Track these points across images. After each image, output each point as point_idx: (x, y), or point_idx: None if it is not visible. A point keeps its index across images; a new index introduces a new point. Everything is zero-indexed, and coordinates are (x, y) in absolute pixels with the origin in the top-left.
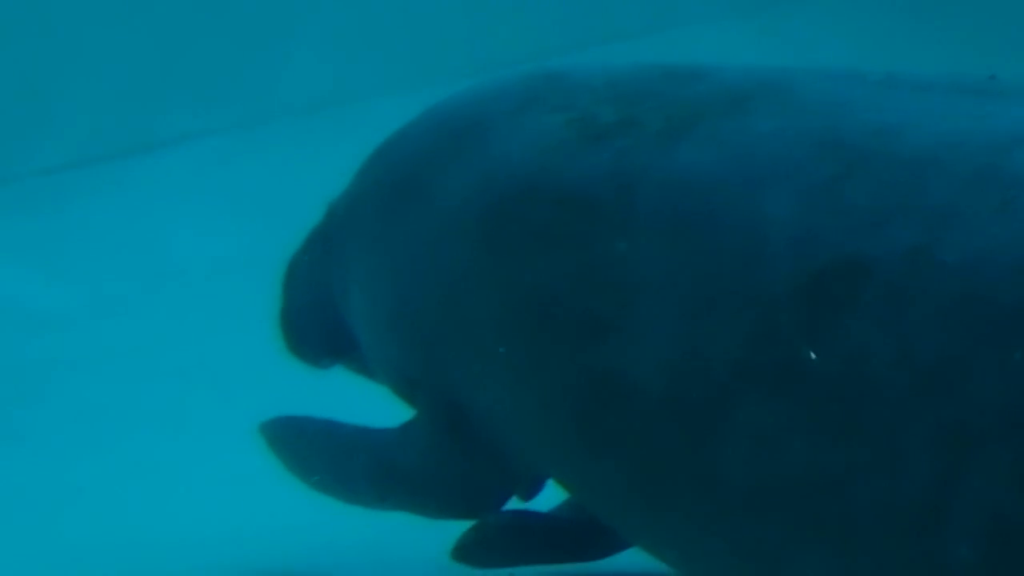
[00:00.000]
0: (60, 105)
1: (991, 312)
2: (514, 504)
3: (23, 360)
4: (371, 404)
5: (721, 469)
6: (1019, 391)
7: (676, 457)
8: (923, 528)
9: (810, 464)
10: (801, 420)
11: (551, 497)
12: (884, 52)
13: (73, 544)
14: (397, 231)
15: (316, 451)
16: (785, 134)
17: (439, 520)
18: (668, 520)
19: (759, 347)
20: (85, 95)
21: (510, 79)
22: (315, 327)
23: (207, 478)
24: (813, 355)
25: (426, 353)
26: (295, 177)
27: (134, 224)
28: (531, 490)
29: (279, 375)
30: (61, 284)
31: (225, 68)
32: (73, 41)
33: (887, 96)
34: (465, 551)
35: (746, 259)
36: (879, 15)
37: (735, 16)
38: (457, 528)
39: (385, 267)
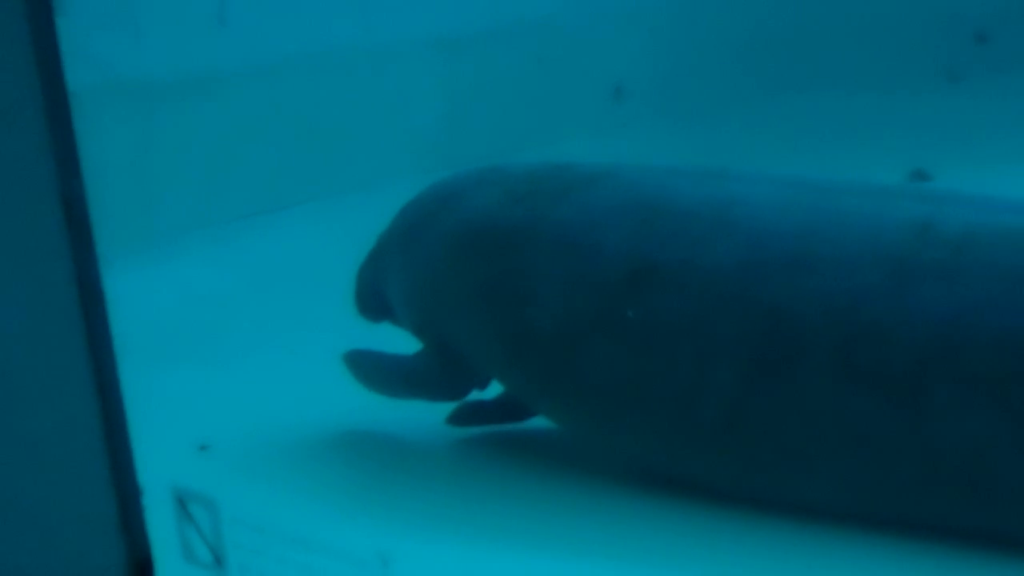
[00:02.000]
0: None
1: (714, 295)
2: (474, 394)
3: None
4: (400, 341)
5: (574, 381)
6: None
7: (549, 372)
8: (689, 404)
9: (625, 372)
10: (622, 355)
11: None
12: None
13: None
14: (411, 251)
15: (371, 367)
16: (614, 199)
17: (437, 404)
18: (549, 401)
19: (601, 309)
20: None
21: (473, 170)
22: (372, 302)
23: (328, 378)
24: (630, 313)
25: (426, 316)
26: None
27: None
28: (482, 385)
29: (356, 327)
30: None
31: None
32: None
33: (688, 180)
34: (453, 420)
35: (590, 261)
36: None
37: (608, 133)
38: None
39: (406, 271)
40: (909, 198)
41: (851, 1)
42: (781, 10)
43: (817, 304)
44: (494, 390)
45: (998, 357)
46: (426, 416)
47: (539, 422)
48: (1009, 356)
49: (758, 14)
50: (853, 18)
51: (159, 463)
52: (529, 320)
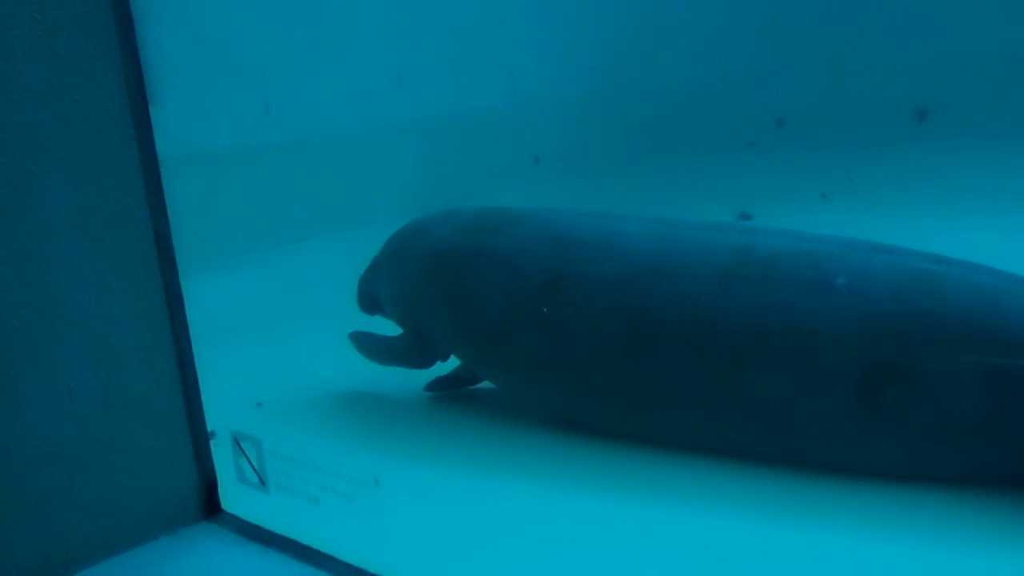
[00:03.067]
0: None
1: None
2: (439, 364)
3: None
4: (388, 328)
5: (508, 357)
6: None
7: (491, 351)
8: (585, 372)
9: (542, 351)
10: (539, 339)
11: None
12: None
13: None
14: (395, 267)
15: (368, 344)
16: (533, 232)
17: (413, 370)
18: (490, 370)
19: (525, 307)
20: None
21: (436, 212)
22: (368, 301)
23: (340, 354)
24: (544, 311)
25: (406, 311)
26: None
27: None
28: (444, 358)
29: (359, 317)
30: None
31: None
32: None
33: (584, 219)
34: (430, 387)
35: (517, 275)
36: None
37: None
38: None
39: (392, 281)
40: (733, 230)
41: (695, 95)
42: (652, 97)
43: (671, 303)
44: (453, 363)
45: (794, 341)
46: (406, 380)
47: (485, 385)
48: (801, 340)
49: (639, 99)
50: (699, 105)
51: (223, 414)
52: (476, 315)
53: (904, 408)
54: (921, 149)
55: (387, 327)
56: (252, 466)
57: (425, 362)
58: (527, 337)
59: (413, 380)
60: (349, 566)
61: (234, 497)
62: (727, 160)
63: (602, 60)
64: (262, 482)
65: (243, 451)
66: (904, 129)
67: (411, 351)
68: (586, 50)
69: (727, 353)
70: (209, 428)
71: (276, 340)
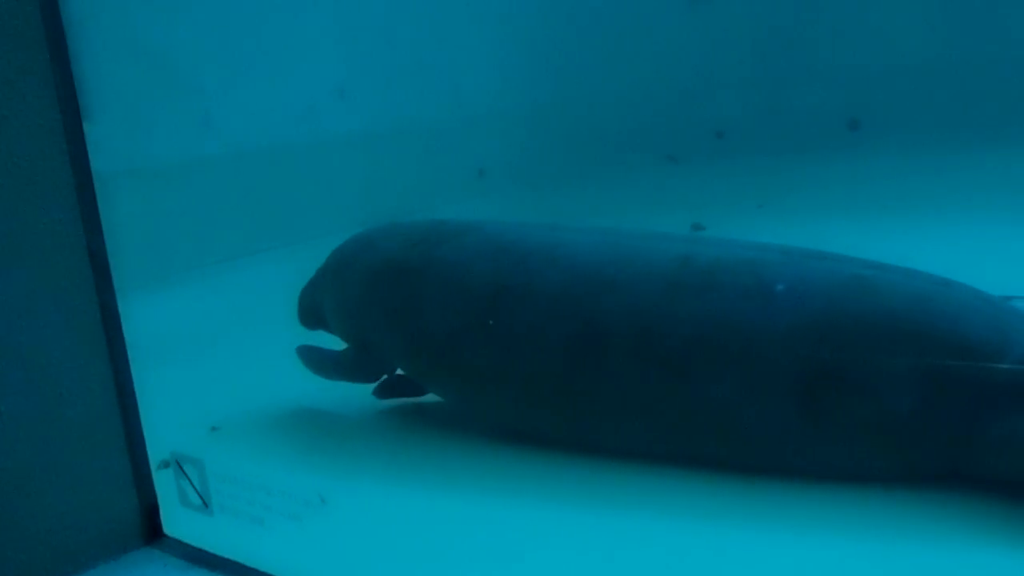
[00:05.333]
0: None
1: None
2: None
3: None
4: (333, 342)
5: (454, 368)
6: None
7: (437, 363)
8: (532, 382)
9: (488, 362)
10: (485, 350)
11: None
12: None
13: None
14: (340, 281)
15: (314, 358)
16: (479, 244)
17: (358, 385)
18: (437, 382)
19: (471, 319)
20: None
21: (382, 225)
22: (310, 316)
23: (288, 363)
24: (491, 322)
25: (351, 325)
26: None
27: None
28: (391, 372)
29: (305, 332)
30: None
31: None
32: None
33: (529, 230)
34: (377, 392)
35: (463, 287)
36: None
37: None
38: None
39: (336, 295)
40: (676, 240)
41: (637, 108)
42: (596, 109)
43: (616, 312)
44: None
45: (736, 347)
46: (353, 395)
47: (432, 398)
48: (743, 346)
49: (584, 112)
50: (641, 117)
51: (164, 436)
52: (422, 328)
53: (842, 410)
54: (854, 157)
55: (333, 341)
56: (195, 488)
57: (371, 376)
58: (473, 349)
59: (360, 395)
60: None
61: (177, 521)
62: (668, 171)
63: (547, 73)
64: (205, 504)
65: (185, 473)
66: (837, 138)
67: (357, 365)
68: (531, 63)
69: (672, 361)
70: (165, 454)
71: (223, 358)
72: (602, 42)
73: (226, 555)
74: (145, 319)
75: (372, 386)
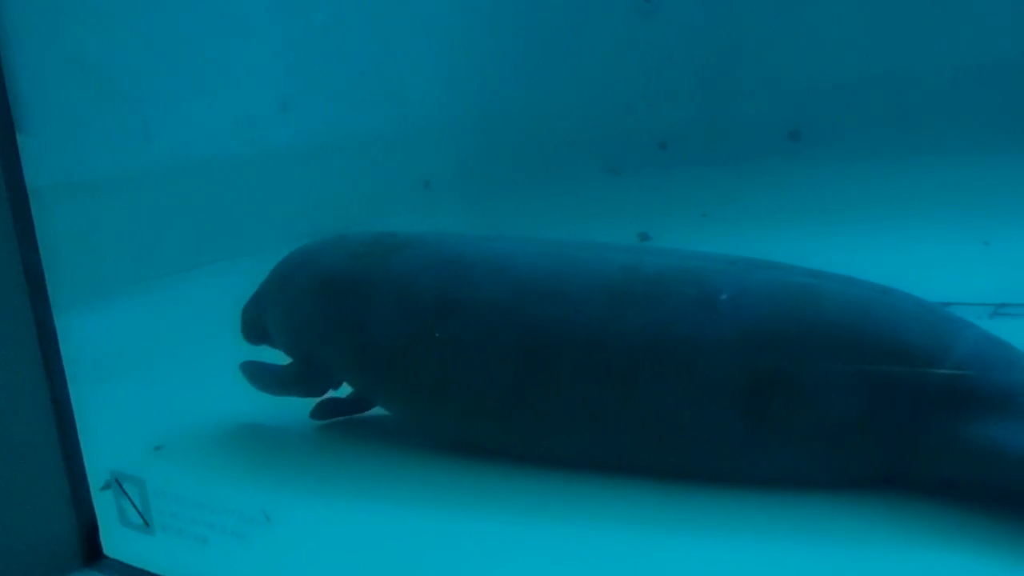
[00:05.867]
0: None
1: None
2: (330, 392)
3: None
4: (277, 357)
5: (401, 382)
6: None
7: (384, 376)
8: (479, 394)
9: (435, 374)
10: (433, 363)
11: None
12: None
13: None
14: (284, 295)
15: (258, 374)
16: (425, 256)
17: (304, 400)
18: (384, 396)
19: (417, 332)
20: None
21: (326, 238)
22: (254, 329)
23: (232, 379)
24: (437, 334)
25: (295, 339)
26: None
27: None
28: (336, 386)
29: (248, 347)
30: None
31: None
32: None
33: (474, 242)
34: (315, 414)
35: (409, 299)
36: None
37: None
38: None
39: (280, 308)
40: (620, 250)
41: (582, 119)
42: (541, 121)
43: (562, 323)
44: (346, 390)
45: (681, 356)
46: (299, 411)
47: (378, 411)
48: (687, 355)
49: (529, 123)
50: (586, 129)
51: (105, 455)
52: (367, 341)
53: (787, 417)
54: (795, 168)
55: (277, 356)
56: (135, 507)
57: (317, 391)
58: (420, 362)
59: (305, 410)
60: None
61: (117, 541)
62: (613, 182)
63: (491, 85)
64: (146, 523)
65: (125, 492)
66: (779, 148)
67: (302, 380)
68: (476, 75)
69: (618, 371)
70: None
71: (165, 374)
72: (547, 54)
73: (168, 575)
74: (84, 336)
75: (317, 401)
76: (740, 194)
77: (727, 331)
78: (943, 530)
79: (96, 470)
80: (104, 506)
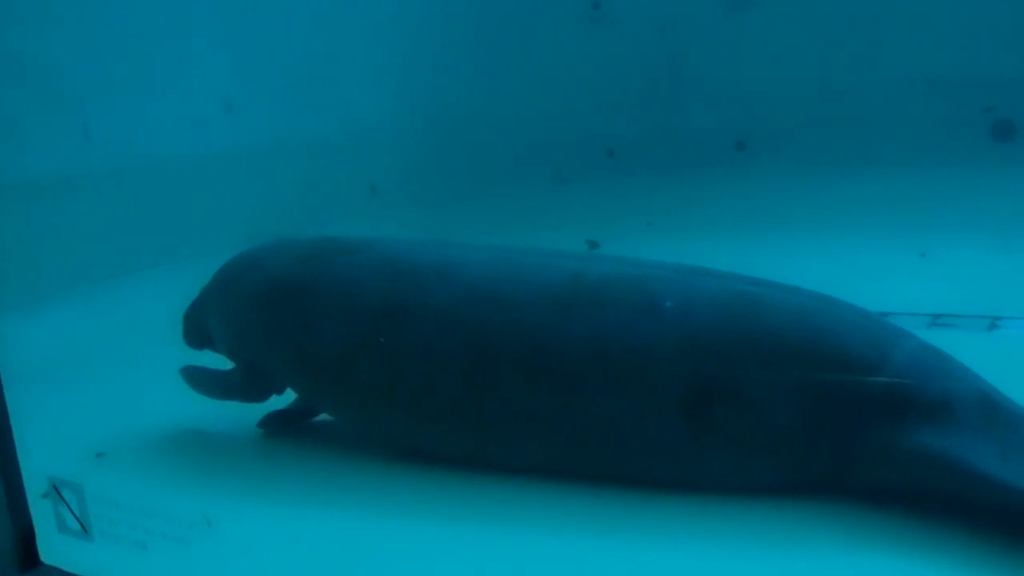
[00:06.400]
0: None
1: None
2: (274, 398)
3: None
4: (219, 362)
5: (347, 388)
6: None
7: (329, 382)
8: (425, 400)
9: (381, 380)
10: (379, 369)
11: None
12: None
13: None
14: (228, 299)
15: (200, 379)
16: (371, 261)
17: (244, 404)
18: (329, 402)
19: (363, 337)
20: None
21: (271, 242)
22: (196, 333)
23: (173, 384)
24: (383, 340)
25: (239, 344)
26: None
27: None
28: (280, 391)
29: (190, 352)
30: None
31: None
32: None
33: (422, 247)
34: (263, 424)
35: (355, 304)
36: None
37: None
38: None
39: (224, 313)
40: (567, 257)
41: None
42: (490, 127)
43: (509, 329)
44: (290, 395)
45: (627, 363)
46: (242, 416)
47: (324, 417)
48: (633, 362)
49: (478, 129)
50: (535, 136)
51: (44, 461)
52: (314, 346)
53: (730, 424)
54: (740, 177)
55: (220, 361)
56: (73, 513)
57: (260, 396)
58: (366, 368)
59: (249, 415)
60: None
61: (54, 548)
62: (560, 189)
63: (440, 89)
64: (84, 530)
65: (63, 498)
66: (725, 158)
67: (245, 385)
68: (424, 79)
69: (564, 377)
70: (46, 480)
71: (107, 380)
72: (496, 61)
73: None
74: (21, 341)
75: (261, 406)
76: (686, 203)
77: (671, 338)
78: (880, 535)
79: (35, 477)
80: (42, 513)
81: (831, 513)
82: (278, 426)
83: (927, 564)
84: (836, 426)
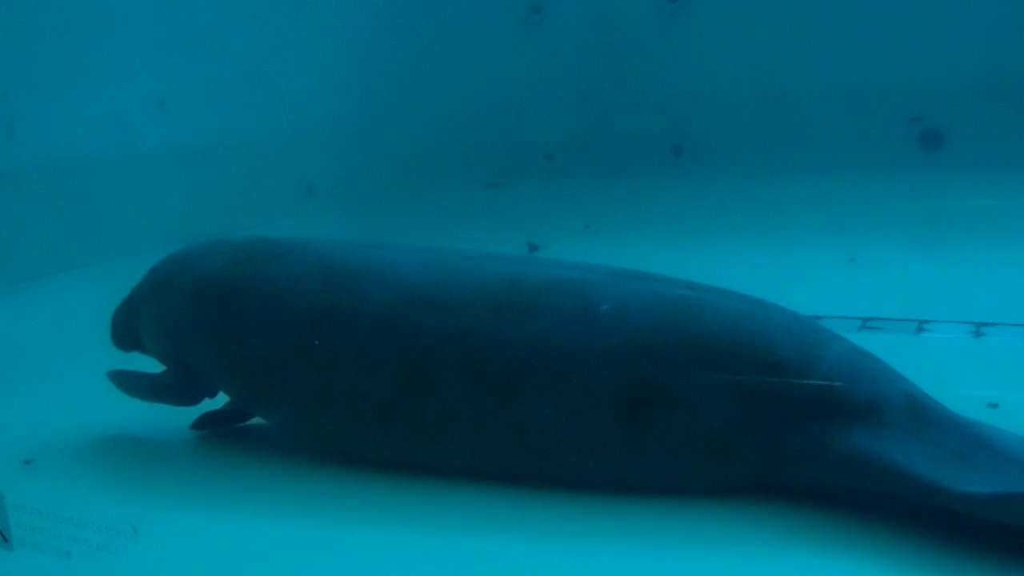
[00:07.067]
0: None
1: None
2: (206, 401)
3: None
4: (149, 364)
5: (279, 391)
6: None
7: (262, 385)
8: (359, 402)
9: (314, 383)
10: (312, 372)
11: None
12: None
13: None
14: (158, 300)
15: (130, 382)
16: (306, 263)
17: (176, 408)
18: (262, 406)
19: (297, 340)
20: None
21: (203, 243)
22: (126, 335)
23: (103, 388)
24: (317, 343)
25: (170, 346)
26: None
27: None
28: (212, 394)
29: (119, 354)
30: None
31: None
32: None
33: (357, 250)
34: (196, 426)
35: (289, 306)
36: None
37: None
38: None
39: (154, 314)
40: (503, 260)
41: (469, 129)
42: (428, 129)
43: (445, 332)
44: (222, 399)
45: (563, 366)
46: (170, 420)
47: (256, 420)
48: (569, 365)
49: (415, 131)
50: (473, 139)
51: None
52: (245, 349)
53: (664, 426)
54: (676, 182)
55: (150, 364)
56: None
57: (192, 399)
58: (299, 370)
59: (178, 419)
60: None
61: None
62: (499, 192)
63: (378, 90)
64: (4, 539)
65: None
66: (662, 163)
67: (176, 388)
68: (362, 79)
69: (500, 380)
70: None
71: (33, 385)
72: (433, 63)
73: None
74: None
75: (193, 409)
76: (623, 207)
77: (607, 341)
78: (811, 534)
79: None
80: None
81: (763, 513)
82: (211, 428)
83: (856, 562)
84: (768, 427)
